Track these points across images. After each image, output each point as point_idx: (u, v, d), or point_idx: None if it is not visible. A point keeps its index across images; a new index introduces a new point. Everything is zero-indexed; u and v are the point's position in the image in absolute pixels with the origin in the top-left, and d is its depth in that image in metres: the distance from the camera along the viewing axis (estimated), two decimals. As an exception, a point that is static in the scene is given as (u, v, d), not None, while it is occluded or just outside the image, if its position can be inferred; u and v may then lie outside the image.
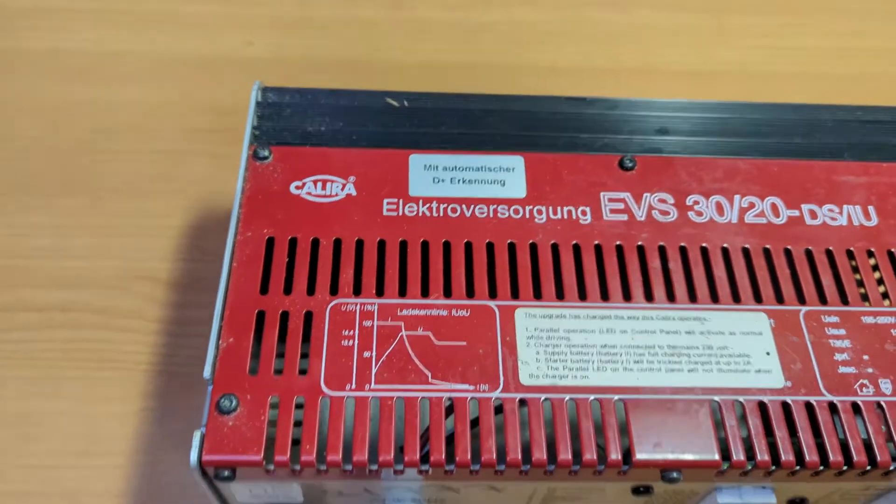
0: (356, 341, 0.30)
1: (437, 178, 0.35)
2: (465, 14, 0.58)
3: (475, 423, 0.29)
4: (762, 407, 0.29)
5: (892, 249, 0.34)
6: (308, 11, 0.57)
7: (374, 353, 0.30)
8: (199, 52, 0.54)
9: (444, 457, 0.28)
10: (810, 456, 0.29)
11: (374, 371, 0.29)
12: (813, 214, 0.35)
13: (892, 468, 0.29)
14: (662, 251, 0.33)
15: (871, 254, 0.34)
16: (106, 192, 0.47)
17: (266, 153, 0.35)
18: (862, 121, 0.39)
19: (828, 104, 0.39)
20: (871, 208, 0.35)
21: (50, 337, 0.42)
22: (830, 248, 0.34)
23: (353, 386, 0.29)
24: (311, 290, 0.31)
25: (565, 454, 0.28)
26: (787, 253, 0.34)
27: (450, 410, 0.29)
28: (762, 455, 0.28)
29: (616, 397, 0.29)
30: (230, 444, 0.27)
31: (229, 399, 0.28)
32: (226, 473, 0.28)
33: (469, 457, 0.28)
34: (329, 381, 0.29)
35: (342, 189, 0.34)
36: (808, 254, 0.34)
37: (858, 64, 0.56)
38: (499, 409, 0.29)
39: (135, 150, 0.49)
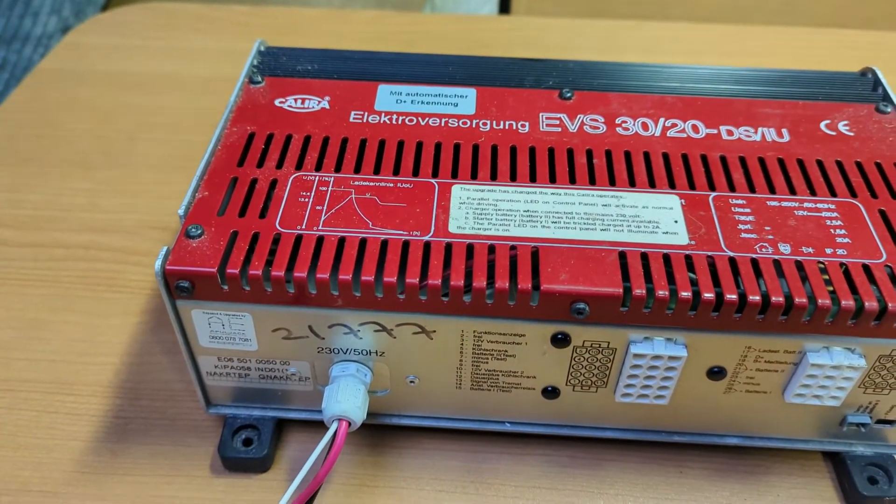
0: (311, 200, 0.35)
1: (399, 100, 0.41)
2: (468, 53, 0.66)
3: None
4: (665, 257, 0.33)
5: (801, 158, 0.38)
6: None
7: (324, 207, 0.35)
8: (235, 74, 0.63)
9: (373, 278, 0.32)
10: (706, 293, 0.31)
11: (322, 218, 0.34)
12: (730, 133, 0.39)
13: (784, 312, 0.31)
14: (589, 153, 0.38)
15: (781, 161, 0.38)
16: (139, 167, 0.55)
17: (259, 79, 0.42)
18: (784, 75, 0.43)
19: (756, 67, 0.44)
20: (784, 130, 0.39)
21: (72, 267, 0.48)
22: (743, 155, 0.38)
23: (304, 227, 0.34)
24: (279, 165, 0.37)
25: (480, 281, 0.32)
26: (703, 158, 0.38)
27: (384, 248, 0.33)
28: (661, 291, 0.31)
29: (532, 245, 0.33)
30: (190, 258, 0.32)
31: (196, 228, 0.33)
32: (185, 284, 0.32)
33: (395, 279, 0.32)
34: (283, 222, 0.34)
35: (318, 104, 0.40)
36: (722, 158, 0.38)
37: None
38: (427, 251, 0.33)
39: (168, 140, 0.57)
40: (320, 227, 0.34)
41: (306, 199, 0.35)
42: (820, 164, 0.37)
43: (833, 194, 0.36)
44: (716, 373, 0.34)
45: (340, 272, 0.32)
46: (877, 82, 0.43)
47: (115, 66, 0.65)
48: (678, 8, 1.03)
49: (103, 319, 0.45)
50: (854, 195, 0.36)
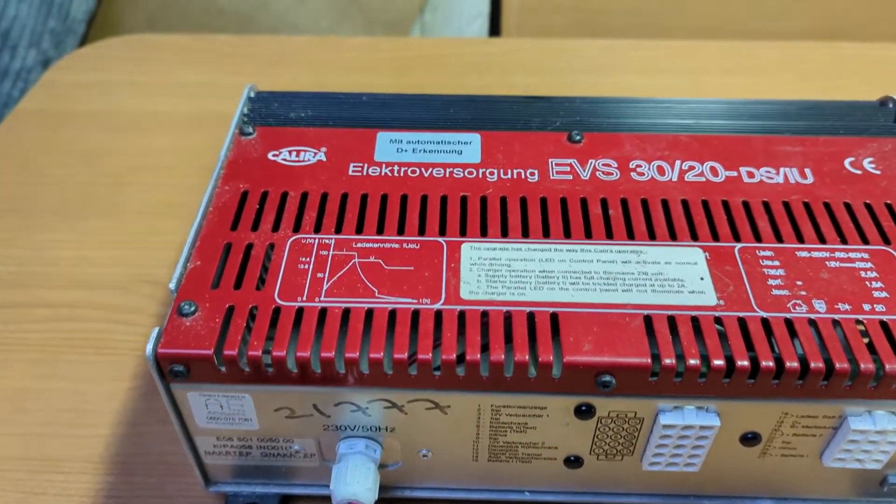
0: (311, 266, 0.33)
1: (400, 148, 0.39)
2: (462, 79, 0.64)
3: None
4: (694, 320, 0.30)
5: (828, 201, 0.36)
6: (319, 79, 0.64)
7: (326, 275, 0.32)
8: (223, 110, 0.60)
9: (382, 355, 0.29)
10: (740, 361, 0.29)
11: (325, 287, 0.32)
12: (750, 175, 0.37)
13: (824, 378, 0.29)
14: (604, 203, 0.36)
15: (807, 206, 0.36)
16: (127, 215, 0.52)
17: (250, 130, 0.39)
18: (802, 108, 0.41)
19: (769, 99, 0.42)
20: (807, 170, 0.37)
21: (58, 328, 0.45)
22: (767, 200, 0.36)
23: (304, 298, 0.31)
24: (276, 227, 0.34)
25: (497, 355, 0.29)
26: (725, 204, 0.36)
27: (393, 319, 0.31)
28: (692, 360, 0.29)
29: (551, 310, 0.31)
30: (184, 339, 0.30)
31: (189, 304, 0.31)
32: (179, 368, 0.30)
33: (406, 355, 0.29)
34: (282, 294, 0.31)
35: (314, 156, 0.38)
36: (745, 204, 0.36)
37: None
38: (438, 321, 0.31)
39: (156, 184, 0.55)
40: (322, 298, 0.31)
41: (306, 266, 0.33)
42: (848, 207, 0.35)
43: (865, 241, 0.34)
44: (750, 439, 0.32)
45: (346, 350, 0.30)
46: (899, 113, 0.41)
47: (98, 105, 0.62)
48: (671, 17, 1.01)
49: (92, 386, 0.42)
50: (887, 242, 0.34)
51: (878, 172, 0.37)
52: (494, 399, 0.31)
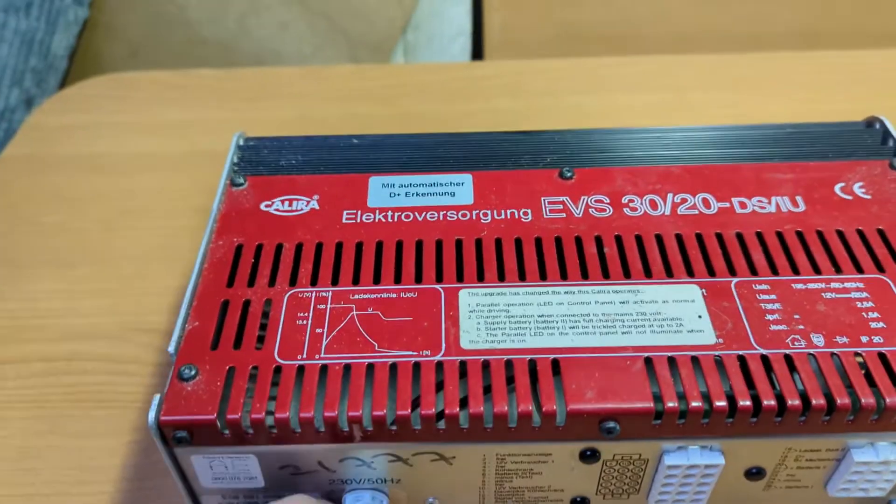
0: (310, 321, 0.33)
1: (393, 193, 0.39)
2: (449, 106, 0.64)
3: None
4: (694, 361, 0.31)
5: (821, 230, 0.36)
6: (307, 111, 0.64)
7: (325, 330, 0.32)
8: (210, 148, 0.60)
9: (385, 412, 0.29)
10: (742, 401, 0.29)
11: (324, 343, 0.32)
12: (742, 205, 0.37)
13: (826, 413, 0.29)
14: (598, 240, 0.36)
15: (800, 235, 0.36)
16: (118, 261, 0.52)
17: (241, 181, 0.39)
18: (790, 132, 0.42)
19: (758, 124, 0.43)
20: (798, 198, 0.38)
21: (56, 382, 0.45)
22: (760, 230, 0.36)
23: (304, 356, 0.31)
24: (272, 282, 0.34)
25: (501, 406, 0.29)
26: (719, 236, 0.36)
27: (394, 374, 0.31)
28: (694, 402, 0.29)
29: (552, 357, 0.31)
30: (186, 405, 0.30)
31: (189, 368, 0.31)
32: (182, 434, 0.30)
33: (409, 411, 0.29)
34: (282, 352, 0.31)
35: (307, 205, 0.38)
36: (739, 236, 0.36)
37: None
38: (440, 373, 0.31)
39: (146, 227, 0.54)
40: (322, 355, 0.31)
41: (305, 322, 0.33)
42: (841, 234, 0.36)
43: (860, 270, 0.34)
44: (755, 474, 0.32)
45: (349, 408, 0.29)
46: (886, 133, 0.41)
47: (84, 148, 0.62)
48: (652, 26, 1.02)
49: (94, 441, 0.42)
50: (881, 269, 0.34)
51: (868, 197, 0.37)
52: (499, 448, 0.31)
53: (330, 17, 0.92)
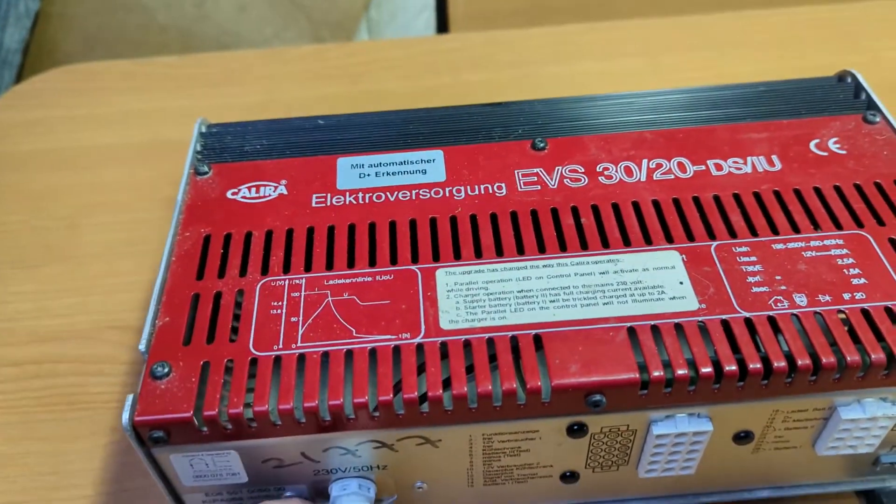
0: (284, 310, 0.32)
1: (363, 173, 0.38)
2: (416, 82, 0.63)
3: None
4: (678, 328, 0.30)
5: (798, 188, 0.35)
6: (272, 95, 0.62)
7: (300, 318, 0.31)
8: (173, 137, 0.59)
9: (366, 398, 0.29)
10: (728, 365, 0.29)
11: (300, 332, 0.31)
12: (718, 167, 0.37)
13: (812, 373, 0.29)
14: (575, 211, 0.35)
15: (777, 194, 0.35)
16: (85, 259, 0.51)
17: (206, 169, 0.38)
18: (762, 91, 0.41)
19: (730, 84, 0.42)
20: (774, 157, 0.37)
21: (27, 386, 0.44)
22: (737, 192, 0.35)
23: (281, 346, 0.30)
24: (243, 272, 0.33)
25: (485, 386, 0.29)
26: (696, 200, 0.35)
27: (374, 358, 0.30)
28: (680, 370, 0.29)
29: (534, 332, 0.30)
30: (161, 404, 0.29)
31: (162, 366, 0.30)
32: (159, 434, 0.29)
33: (391, 396, 0.29)
34: (257, 344, 0.30)
35: (274, 191, 0.37)
36: (716, 198, 0.35)
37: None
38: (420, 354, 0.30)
39: (110, 223, 0.53)
40: (299, 344, 0.30)
41: (279, 311, 0.32)
42: (818, 191, 0.35)
43: (838, 227, 0.33)
44: (743, 437, 0.32)
45: (329, 397, 0.29)
46: (858, 87, 0.40)
47: (42, 144, 0.60)
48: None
49: (70, 444, 0.41)
50: (860, 225, 0.33)
51: (843, 152, 0.37)
52: (485, 428, 0.30)
53: (290, -4, 0.90)
